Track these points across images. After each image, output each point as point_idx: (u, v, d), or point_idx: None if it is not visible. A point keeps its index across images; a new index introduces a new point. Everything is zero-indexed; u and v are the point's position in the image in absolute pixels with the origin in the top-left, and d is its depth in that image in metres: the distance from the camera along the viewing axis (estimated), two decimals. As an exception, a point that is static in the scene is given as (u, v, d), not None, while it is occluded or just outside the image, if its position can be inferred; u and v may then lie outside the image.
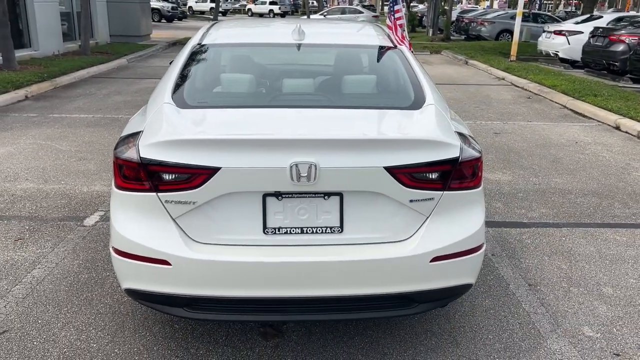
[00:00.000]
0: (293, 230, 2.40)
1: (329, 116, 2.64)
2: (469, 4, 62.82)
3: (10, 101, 8.58)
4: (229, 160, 2.28)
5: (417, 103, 2.76)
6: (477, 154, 2.49)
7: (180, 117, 2.56)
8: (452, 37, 24.98)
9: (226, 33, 3.62)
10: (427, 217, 2.44)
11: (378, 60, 3.35)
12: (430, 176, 2.39)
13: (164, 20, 34.05)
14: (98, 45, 16.16)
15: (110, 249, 2.52)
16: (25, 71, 10.47)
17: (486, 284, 3.48)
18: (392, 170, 2.33)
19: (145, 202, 2.38)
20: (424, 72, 3.08)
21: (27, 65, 11.18)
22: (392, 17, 3.71)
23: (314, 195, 2.38)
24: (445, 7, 26.37)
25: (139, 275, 2.42)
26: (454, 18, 27.06)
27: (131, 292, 2.50)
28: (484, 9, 38.91)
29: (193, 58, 3.16)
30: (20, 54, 11.81)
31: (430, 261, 2.40)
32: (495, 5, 55.69)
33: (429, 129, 2.52)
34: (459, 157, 2.41)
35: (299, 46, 3.24)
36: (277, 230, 2.40)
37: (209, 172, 2.28)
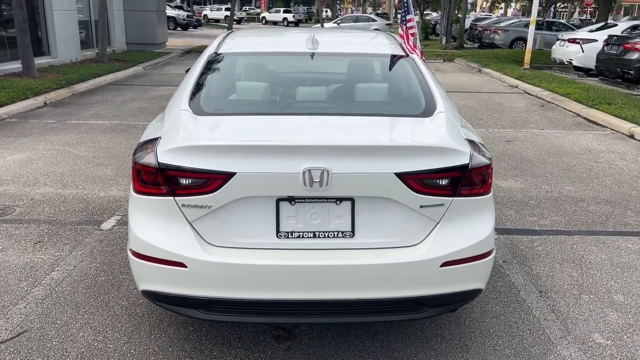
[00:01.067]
0: (305, 235, 2.46)
1: (341, 123, 2.70)
2: (483, 12, 62.73)
3: (30, 107, 8.77)
4: (243, 165, 2.35)
5: (428, 111, 2.81)
6: (487, 161, 2.54)
7: (197, 124, 2.64)
8: (465, 45, 24.97)
9: (241, 42, 3.70)
10: (438, 223, 2.48)
11: (390, 69, 3.41)
12: (441, 182, 2.43)
13: (180, 28, 34.46)
14: (115, 53, 16.43)
15: (128, 251, 2.59)
16: (44, 78, 10.69)
17: (497, 290, 3.50)
18: (403, 177, 2.38)
19: (162, 206, 2.45)
20: (435, 80, 3.13)
21: (46, 73, 11.41)
22: (404, 26, 3.77)
23: (326, 200, 2.43)
24: (459, 15, 26.39)
25: (155, 277, 2.49)
26: (467, 26, 27.07)
27: (148, 294, 2.57)
28: (497, 17, 38.86)
29: (209, 66, 3.24)
30: (39, 61, 12.05)
31: (441, 266, 2.44)
32: (509, 13, 55.56)
33: (439, 136, 2.57)
34: (468, 164, 2.45)
35: (312, 55, 3.31)
36: (290, 234, 2.45)
37: (224, 177, 2.35)
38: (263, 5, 53.66)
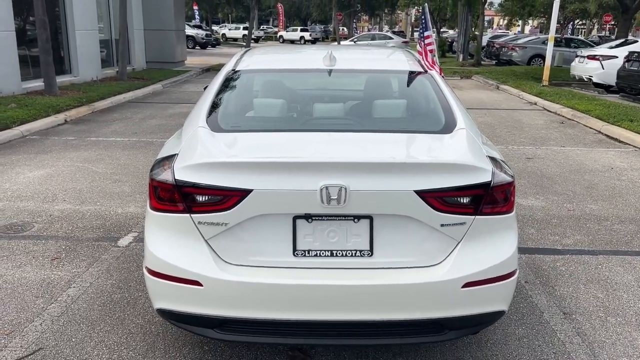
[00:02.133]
0: (323, 253, 2.41)
1: (359, 140, 2.67)
2: (499, 29, 62.68)
3: (51, 125, 8.90)
4: (260, 182, 2.32)
5: (448, 127, 2.76)
6: (509, 179, 2.47)
7: (214, 141, 2.62)
8: (482, 62, 24.91)
9: (259, 59, 3.71)
10: (459, 242, 2.42)
11: (408, 85, 3.37)
12: (462, 200, 2.37)
13: (199, 47, 34.98)
14: (135, 71, 16.69)
15: (144, 269, 2.57)
16: (65, 96, 10.88)
17: (519, 311, 3.40)
18: (423, 194, 2.33)
19: (178, 223, 2.43)
20: (455, 97, 3.09)
21: (67, 91, 11.62)
22: (422, 43, 3.75)
23: (343, 218, 2.39)
24: (476, 33, 26.38)
25: (170, 295, 2.46)
26: (484, 43, 27.03)
27: (163, 312, 2.54)
28: (514, 34, 38.77)
29: (227, 83, 3.24)
30: (61, 79, 12.29)
31: (462, 287, 2.37)
32: (527, 31, 55.42)
33: (460, 153, 2.52)
34: (490, 181, 2.39)
35: (330, 72, 3.30)
36: (306, 252, 2.41)
37: (241, 194, 2.32)
38: (281, 24, 54.34)
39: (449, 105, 2.96)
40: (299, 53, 4.07)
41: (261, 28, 58.99)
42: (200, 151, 2.52)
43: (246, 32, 35.58)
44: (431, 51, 3.65)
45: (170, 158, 2.57)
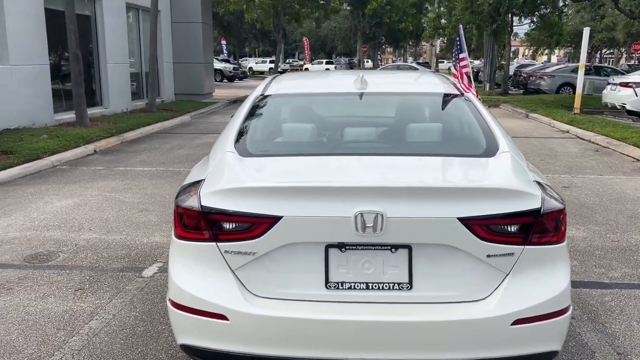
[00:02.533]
0: (357, 286, 2.24)
1: (396, 163, 2.51)
2: (525, 59, 62.43)
3: (80, 155, 9.00)
4: (290, 208, 2.18)
5: (490, 150, 2.59)
6: (560, 205, 2.28)
7: (242, 166, 2.50)
8: (509, 92, 24.65)
9: (288, 84, 3.62)
10: (507, 275, 2.22)
11: (444, 108, 3.22)
12: (510, 229, 2.18)
13: (226, 80, 35.57)
14: (164, 103, 16.97)
15: (167, 301, 2.43)
16: (96, 127, 11.04)
17: (568, 351, 3.14)
18: (467, 222, 2.15)
19: (204, 253, 2.29)
20: (495, 120, 2.92)
21: (98, 122, 11.81)
22: (458, 65, 3.61)
23: (380, 248, 2.22)
24: (502, 62, 26.21)
25: (195, 330, 2.30)
26: (511, 72, 26.81)
27: (187, 348, 2.38)
28: (542, 63, 38.47)
29: (255, 108, 3.15)
30: (92, 111, 12.52)
31: (512, 324, 2.16)
32: (554, 60, 55.02)
33: (506, 177, 2.34)
34: (540, 208, 2.20)
35: (361, 95, 3.18)
36: (340, 285, 2.24)
37: (270, 221, 2.18)
38: (307, 57, 55.14)
39: (489, 127, 2.80)
40: (329, 78, 3.97)
41: (287, 61, 59.94)
42: (228, 176, 2.40)
43: (272, 65, 36.12)
44: (467, 74, 3.51)
45: (197, 184, 2.45)
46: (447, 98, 3.25)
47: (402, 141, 2.93)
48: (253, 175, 2.45)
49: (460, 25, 3.48)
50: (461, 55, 3.45)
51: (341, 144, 2.95)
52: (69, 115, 11.64)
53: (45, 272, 4.26)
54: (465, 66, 3.33)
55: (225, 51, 50.04)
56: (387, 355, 2.18)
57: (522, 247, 2.19)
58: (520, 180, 2.30)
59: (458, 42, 3.56)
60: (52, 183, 7.19)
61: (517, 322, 2.16)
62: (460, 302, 2.22)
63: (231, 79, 36.32)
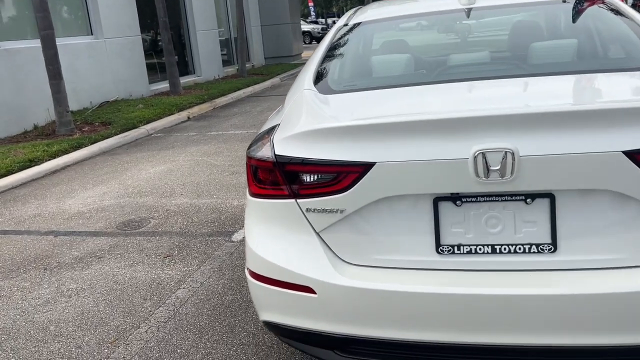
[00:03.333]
0: (480, 249, 1.70)
1: (526, 86, 1.90)
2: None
3: (175, 122, 9.03)
4: (385, 152, 1.68)
5: None
6: None
7: (323, 104, 2.03)
8: None
9: (376, 11, 3.03)
10: None
11: (579, 18, 2.50)
12: None
13: (315, 42, 35.10)
14: (254, 68, 16.88)
15: (246, 270, 2.05)
16: (188, 95, 11.10)
17: None
18: (637, 157, 1.52)
19: (283, 212, 1.87)
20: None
21: (191, 90, 11.89)
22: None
23: (510, 198, 1.66)
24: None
25: (278, 305, 1.91)
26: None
27: (270, 326, 2.00)
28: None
29: (339, 40, 2.64)
30: (185, 80, 12.66)
31: None
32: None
33: None
34: None
35: (468, 11, 2.54)
36: (455, 248, 1.72)
37: (359, 170, 1.70)
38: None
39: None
40: (425, 0, 3.30)
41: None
42: (306, 118, 1.93)
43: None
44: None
45: (271, 131, 2.02)
46: (580, 4, 2.52)
47: (530, 61, 2.27)
48: (335, 114, 1.96)
49: None
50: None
51: (447, 70, 2.35)
52: (164, 85, 11.82)
53: (136, 239, 4.13)
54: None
55: (313, 13, 49.39)
56: (523, 340, 1.64)
57: None
58: None
59: None
60: (146, 150, 7.21)
61: None
62: (626, 267, 1.61)
63: (320, 40, 35.80)
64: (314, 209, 1.79)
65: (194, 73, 13.97)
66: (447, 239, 1.72)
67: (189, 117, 9.46)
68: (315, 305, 1.80)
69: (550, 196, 1.63)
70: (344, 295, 1.75)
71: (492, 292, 1.64)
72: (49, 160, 6.63)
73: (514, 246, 1.68)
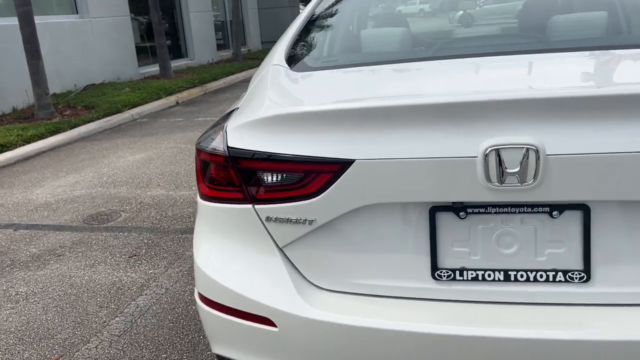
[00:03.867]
0: (489, 275, 1.31)
1: (551, 65, 1.49)
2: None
3: (162, 107, 8.60)
4: (367, 147, 1.27)
5: None
6: None
7: (293, 84, 1.62)
8: None
9: None
10: None
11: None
12: None
13: (315, 27, 34.53)
14: (250, 52, 16.37)
15: (195, 293, 1.65)
16: (179, 79, 10.64)
17: None
18: None
19: (238, 220, 1.47)
20: None
21: (182, 74, 11.43)
22: None
23: (530, 210, 1.26)
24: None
25: (232, 337, 1.51)
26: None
27: (223, 360, 1.61)
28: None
29: (323, 9, 2.21)
30: (177, 63, 12.19)
31: None
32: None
33: None
34: None
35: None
36: (457, 273, 1.32)
37: (334, 169, 1.29)
38: None
39: None
40: None
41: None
42: (268, 101, 1.51)
43: (363, 6, 34.18)
44: None
45: (227, 117, 1.61)
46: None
47: (553, 35, 1.84)
48: (306, 97, 1.54)
49: None
50: None
51: (451, 44, 1.93)
52: (154, 68, 11.35)
53: (102, 235, 3.73)
54: None
55: (314, -3, 48.68)
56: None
57: None
58: None
59: None
60: (128, 137, 6.79)
61: None
62: None
63: (320, 25, 35.18)
64: (276, 218, 1.39)
65: (187, 56, 13.49)
66: (446, 261, 1.32)
67: (177, 102, 9.02)
68: (276, 342, 1.41)
69: (583, 208, 1.23)
70: (312, 331, 1.36)
71: (503, 334, 1.24)
72: (23, 145, 6.21)
73: (533, 272, 1.28)
